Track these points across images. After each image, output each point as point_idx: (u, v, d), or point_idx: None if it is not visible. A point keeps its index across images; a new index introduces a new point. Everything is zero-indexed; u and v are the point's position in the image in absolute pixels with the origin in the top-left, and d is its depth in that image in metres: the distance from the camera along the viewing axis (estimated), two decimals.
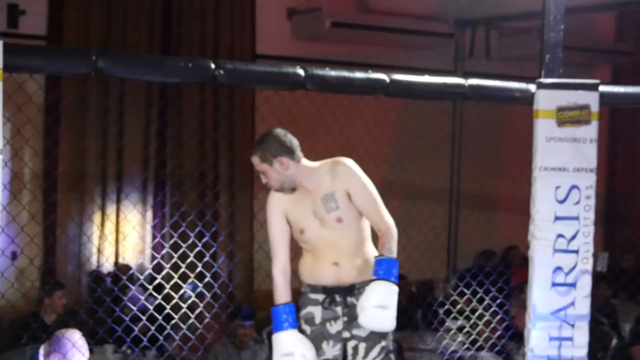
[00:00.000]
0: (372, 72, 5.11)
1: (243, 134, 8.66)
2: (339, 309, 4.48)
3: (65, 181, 7.71)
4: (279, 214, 4.53)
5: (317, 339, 4.48)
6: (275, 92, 5.44)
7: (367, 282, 4.36)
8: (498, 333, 6.86)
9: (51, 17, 7.96)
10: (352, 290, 4.49)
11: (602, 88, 5.46)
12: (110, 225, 7.95)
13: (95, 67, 4.39)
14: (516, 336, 6.75)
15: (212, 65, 4.67)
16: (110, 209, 7.91)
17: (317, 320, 4.49)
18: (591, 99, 5.39)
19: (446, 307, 6.81)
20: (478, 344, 6.64)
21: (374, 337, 4.48)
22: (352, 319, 4.45)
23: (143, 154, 8.18)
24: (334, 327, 4.48)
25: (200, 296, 6.65)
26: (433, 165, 9.01)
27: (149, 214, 8.13)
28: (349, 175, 4.47)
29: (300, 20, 9.09)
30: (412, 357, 7.45)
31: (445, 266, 9.44)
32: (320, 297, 4.49)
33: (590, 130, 5.38)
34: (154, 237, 8.15)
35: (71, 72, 4.80)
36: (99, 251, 7.97)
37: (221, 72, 4.67)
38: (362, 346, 4.49)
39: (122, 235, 7.92)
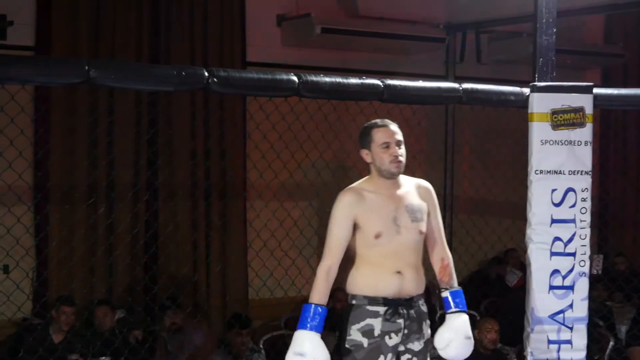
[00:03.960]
0: (366, 78, 5.10)
1: (234, 142, 8.62)
2: (401, 321, 4.45)
3: (57, 193, 7.65)
4: (350, 217, 4.46)
5: (375, 352, 4.41)
6: (269, 98, 5.43)
7: (422, 296, 4.56)
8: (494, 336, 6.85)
9: (39, 27, 7.90)
10: (411, 303, 4.51)
11: (595, 90, 5.47)
12: (103, 236, 7.89)
13: (87, 76, 4.36)
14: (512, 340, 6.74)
15: (206, 73, 4.65)
16: (102, 221, 7.85)
17: (377, 332, 4.42)
18: (585, 102, 5.40)
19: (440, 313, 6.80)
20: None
21: (424, 352, 4.55)
22: (411, 331, 4.47)
23: (135, 164, 8.13)
24: (393, 340, 4.43)
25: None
26: (428, 169, 9.03)
27: (142, 225, 8.07)
28: (433, 198, 4.67)
29: (290, 26, 9.06)
30: None
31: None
32: (380, 309, 4.43)
33: (585, 133, 5.39)
34: (147, 247, 8.09)
35: (63, 83, 4.77)
36: (94, 263, 7.89)
37: (214, 79, 4.66)
38: (414, 358, 4.53)
39: (116, 247, 7.85)
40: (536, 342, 5.33)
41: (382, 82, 5.09)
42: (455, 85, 5.44)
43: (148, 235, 7.92)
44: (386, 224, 4.45)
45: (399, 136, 4.51)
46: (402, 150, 4.50)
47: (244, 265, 8.50)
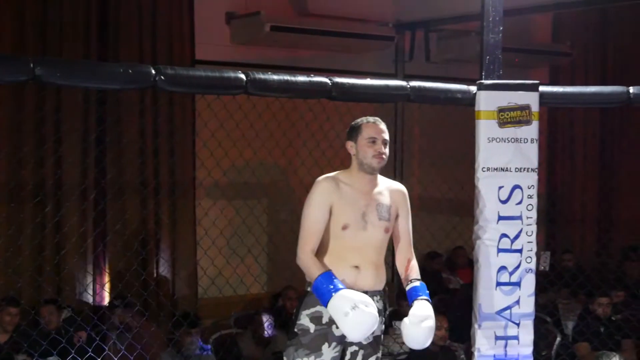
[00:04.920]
0: (314, 76, 5.11)
1: (183, 140, 8.59)
2: None
3: (2, 191, 7.57)
4: (327, 203, 4.51)
5: (319, 339, 4.47)
6: (217, 97, 5.41)
7: (378, 292, 4.61)
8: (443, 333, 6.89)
9: None
10: None
11: (541, 88, 5.52)
12: (50, 235, 7.82)
13: (33, 74, 4.32)
14: (460, 336, 6.79)
15: (153, 71, 4.63)
16: (49, 219, 7.78)
17: (324, 320, 4.47)
18: (531, 99, 5.45)
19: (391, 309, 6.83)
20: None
21: (373, 346, 4.61)
22: None
23: (82, 162, 8.06)
24: (340, 330, 4.43)
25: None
26: None
27: (90, 223, 8.00)
28: (405, 200, 4.76)
29: (239, 24, 9.03)
30: None
31: (390, 269, 9.44)
32: None
33: (531, 130, 5.44)
34: (95, 246, 8.04)
35: (8, 80, 4.69)
36: (41, 262, 7.82)
37: (162, 77, 4.64)
38: (361, 353, 4.58)
39: (63, 246, 7.78)
40: (483, 338, 5.37)
41: (330, 79, 5.11)
42: (402, 83, 5.46)
43: (95, 234, 7.86)
44: (355, 218, 4.52)
45: (386, 136, 4.60)
46: (386, 150, 4.59)
47: (193, 263, 8.46)
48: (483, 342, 5.37)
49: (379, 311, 4.57)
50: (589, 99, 6.00)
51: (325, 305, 4.34)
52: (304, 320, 4.50)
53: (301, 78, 5.05)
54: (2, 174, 7.62)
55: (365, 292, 4.50)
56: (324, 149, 6.90)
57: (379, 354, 4.68)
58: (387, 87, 5.45)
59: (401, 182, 4.88)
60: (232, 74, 4.87)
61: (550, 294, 8.74)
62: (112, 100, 8.14)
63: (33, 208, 7.62)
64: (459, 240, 9.00)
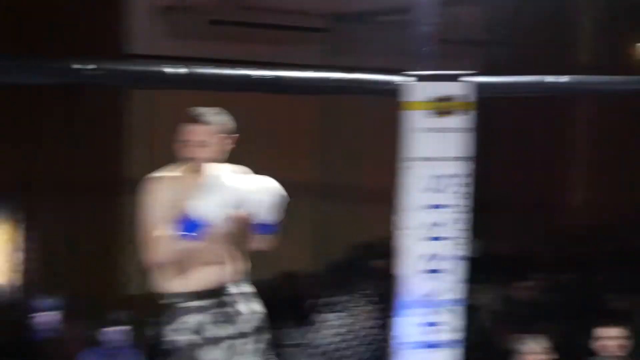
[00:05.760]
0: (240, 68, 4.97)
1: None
2: (228, 309, 4.40)
3: None
4: (165, 203, 4.25)
5: (208, 346, 4.33)
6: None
7: (244, 280, 4.49)
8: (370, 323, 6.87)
9: None
10: (233, 288, 4.47)
11: (475, 78, 5.51)
12: None
13: None
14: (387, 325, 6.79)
15: (79, 66, 4.51)
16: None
17: (205, 326, 4.34)
18: (466, 90, 5.43)
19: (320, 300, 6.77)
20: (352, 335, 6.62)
21: (257, 334, 4.52)
22: (237, 314, 4.42)
23: None
24: (224, 330, 4.38)
25: None
26: (300, 158, 9.07)
27: None
28: None
29: (177, 18, 8.97)
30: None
31: (313, 260, 9.44)
32: (203, 302, 4.34)
33: (465, 120, 5.41)
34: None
35: None
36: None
37: (91, 71, 4.52)
38: (250, 340, 4.48)
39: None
40: (406, 325, 5.34)
41: (251, 72, 4.93)
42: (330, 74, 5.43)
43: None
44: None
45: (202, 136, 4.35)
46: (203, 150, 4.36)
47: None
48: (406, 329, 5.35)
49: (248, 294, 4.51)
50: (527, 88, 6.03)
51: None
52: (173, 335, 4.34)
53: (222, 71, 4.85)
54: None
55: (233, 283, 4.44)
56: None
57: (267, 335, 4.58)
58: (317, 79, 5.42)
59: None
60: (170, 69, 4.61)
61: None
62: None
63: None
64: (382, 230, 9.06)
